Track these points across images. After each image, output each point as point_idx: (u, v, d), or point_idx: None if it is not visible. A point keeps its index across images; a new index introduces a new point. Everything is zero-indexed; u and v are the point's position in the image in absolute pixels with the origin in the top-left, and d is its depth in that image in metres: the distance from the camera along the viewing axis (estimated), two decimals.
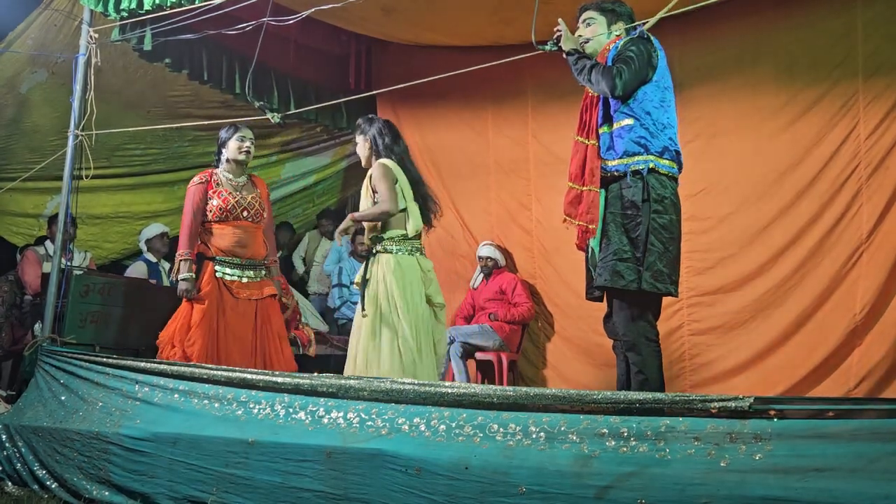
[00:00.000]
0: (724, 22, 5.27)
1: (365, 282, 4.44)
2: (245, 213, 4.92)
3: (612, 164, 3.68)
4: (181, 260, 4.82)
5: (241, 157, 4.97)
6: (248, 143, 4.98)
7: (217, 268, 4.87)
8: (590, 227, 3.63)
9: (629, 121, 3.65)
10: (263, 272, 5.03)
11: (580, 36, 3.88)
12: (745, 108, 5.38)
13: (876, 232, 4.91)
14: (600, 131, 3.75)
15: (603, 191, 3.69)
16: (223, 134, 5.04)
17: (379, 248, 4.48)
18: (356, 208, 4.70)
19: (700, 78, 5.38)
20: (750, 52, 5.38)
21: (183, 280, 4.79)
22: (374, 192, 4.49)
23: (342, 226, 4.53)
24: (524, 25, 3.90)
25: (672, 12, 3.89)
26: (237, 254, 4.91)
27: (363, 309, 4.39)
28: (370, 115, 4.91)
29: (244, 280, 4.92)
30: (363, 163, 4.73)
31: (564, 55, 3.79)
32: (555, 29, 3.82)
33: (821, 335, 5.00)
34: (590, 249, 3.76)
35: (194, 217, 4.88)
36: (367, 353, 4.35)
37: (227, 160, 5.00)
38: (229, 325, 4.84)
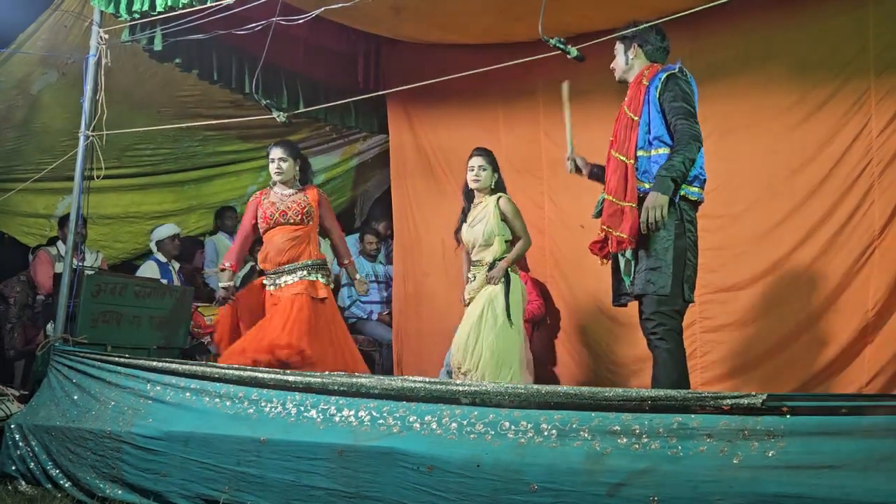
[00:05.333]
0: (734, 19, 5.24)
1: (507, 290, 5.01)
2: (284, 217, 5.18)
3: (647, 186, 3.91)
4: (221, 269, 5.29)
5: (275, 178, 5.28)
6: (276, 165, 5.26)
7: (265, 281, 5.23)
8: (631, 239, 3.87)
9: (665, 150, 3.93)
10: (304, 273, 5.16)
11: (612, 68, 4.21)
12: (756, 106, 5.36)
13: (888, 228, 4.87)
14: (638, 154, 3.96)
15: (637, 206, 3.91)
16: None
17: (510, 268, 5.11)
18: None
19: (711, 75, 5.35)
20: (761, 50, 5.35)
21: (223, 288, 5.22)
22: (507, 224, 5.15)
23: (499, 273, 5.02)
24: (534, 22, 3.91)
25: (682, 14, 3.92)
26: (277, 261, 5.16)
27: (509, 318, 4.97)
28: (486, 148, 5.34)
29: (282, 285, 5.14)
30: (482, 186, 5.20)
31: (669, 197, 3.85)
32: (649, 227, 3.84)
33: (833, 332, 4.98)
34: (624, 260, 3.98)
35: (244, 231, 5.32)
36: (504, 354, 4.92)
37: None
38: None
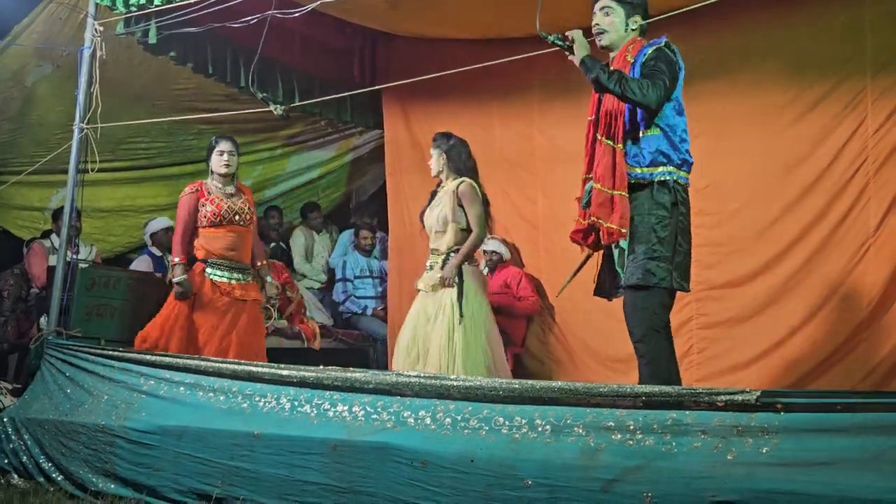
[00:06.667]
0: (732, 17, 5.23)
1: (460, 290, 4.82)
2: (237, 218, 5.14)
3: (638, 171, 3.75)
4: (174, 265, 5.07)
5: (222, 170, 5.20)
6: (226, 157, 5.19)
7: (208, 270, 5.09)
8: (622, 230, 3.68)
9: (657, 131, 3.75)
10: (251, 276, 5.25)
11: (597, 24, 3.87)
12: (753, 104, 5.35)
13: (883, 226, 4.89)
14: (627, 137, 3.80)
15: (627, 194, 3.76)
16: (209, 146, 5.27)
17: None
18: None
19: (708, 72, 5.35)
20: (758, 48, 5.35)
21: (178, 283, 5.01)
22: (464, 211, 4.94)
23: (450, 273, 4.84)
24: (530, 19, 3.89)
25: (681, 10, 3.90)
26: (228, 257, 5.13)
27: (461, 315, 4.76)
28: (446, 132, 5.19)
29: (233, 282, 5.12)
30: (433, 174, 5.15)
31: (578, 63, 3.73)
32: (567, 34, 3.75)
33: (828, 329, 4.99)
34: (618, 251, 3.86)
35: (186, 225, 5.13)
36: (457, 352, 4.73)
37: (211, 172, 5.23)
38: (211, 322, 5.04)
